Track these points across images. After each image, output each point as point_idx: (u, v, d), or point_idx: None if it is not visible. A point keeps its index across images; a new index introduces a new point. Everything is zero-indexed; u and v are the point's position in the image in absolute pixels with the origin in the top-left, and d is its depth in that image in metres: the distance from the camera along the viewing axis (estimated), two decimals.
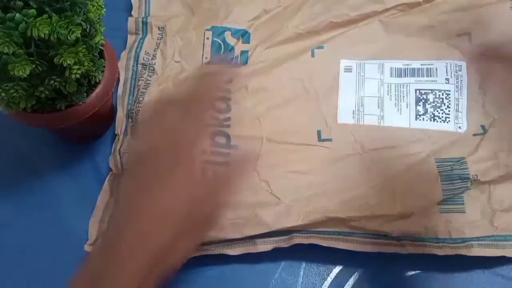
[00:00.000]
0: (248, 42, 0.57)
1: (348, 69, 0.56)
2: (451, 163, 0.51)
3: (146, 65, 0.57)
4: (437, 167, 0.51)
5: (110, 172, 0.53)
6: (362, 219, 0.49)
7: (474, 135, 0.53)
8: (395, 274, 0.50)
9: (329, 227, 0.49)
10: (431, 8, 0.58)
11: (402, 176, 0.51)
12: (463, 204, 0.50)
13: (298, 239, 0.49)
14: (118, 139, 0.54)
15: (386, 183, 0.50)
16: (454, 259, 0.49)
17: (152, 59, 0.57)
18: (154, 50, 0.57)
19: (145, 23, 0.59)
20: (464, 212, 0.49)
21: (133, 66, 0.57)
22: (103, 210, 0.51)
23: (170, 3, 0.60)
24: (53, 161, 0.55)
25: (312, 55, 0.57)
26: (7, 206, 0.53)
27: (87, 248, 0.48)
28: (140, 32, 0.59)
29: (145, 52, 0.57)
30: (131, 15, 0.60)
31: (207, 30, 0.58)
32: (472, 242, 0.48)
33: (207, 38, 0.57)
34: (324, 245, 0.48)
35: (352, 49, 0.57)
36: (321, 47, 0.57)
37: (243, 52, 0.57)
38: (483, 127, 0.53)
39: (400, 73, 0.56)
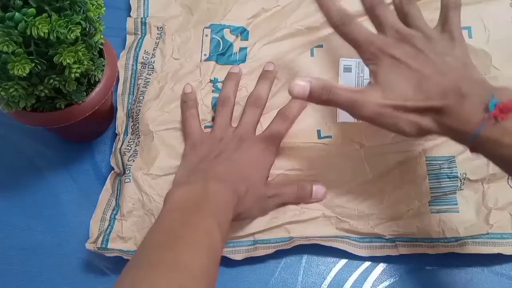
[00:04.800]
0: (247, 39, 0.57)
1: (347, 69, 0.56)
2: (440, 162, 0.51)
3: (146, 64, 0.57)
4: (427, 166, 0.51)
5: (112, 171, 0.53)
6: (352, 219, 0.50)
7: None
8: (395, 273, 0.50)
9: (325, 232, 0.50)
10: (431, 2, 0.57)
11: (392, 174, 0.51)
12: (456, 204, 0.50)
13: (299, 241, 0.49)
14: (119, 139, 0.54)
15: (376, 180, 0.51)
16: (454, 258, 0.49)
17: (151, 57, 0.57)
18: (153, 49, 0.58)
19: (144, 23, 0.59)
20: (458, 212, 0.49)
21: (132, 65, 0.57)
22: (104, 209, 0.51)
23: (168, 4, 0.60)
24: (53, 159, 0.55)
25: (312, 55, 0.57)
26: (7, 205, 0.53)
27: (88, 246, 0.49)
28: (139, 32, 0.59)
29: (144, 51, 0.57)
30: (129, 16, 0.60)
31: (206, 27, 0.58)
32: (467, 241, 0.48)
33: (206, 35, 0.57)
34: (325, 244, 0.49)
35: (351, 48, 0.56)
36: (320, 46, 0.57)
37: (242, 49, 0.57)
38: None
39: None
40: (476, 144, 0.38)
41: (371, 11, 0.46)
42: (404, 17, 0.45)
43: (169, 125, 0.53)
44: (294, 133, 0.53)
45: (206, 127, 0.54)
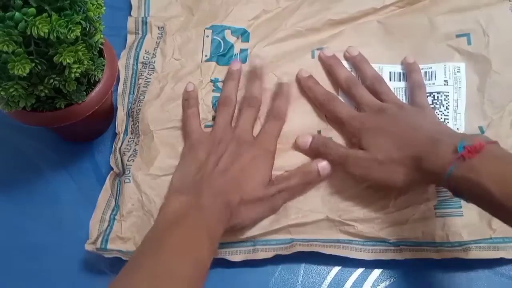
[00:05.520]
0: (248, 41, 0.57)
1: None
2: None
3: (146, 64, 0.57)
4: None
5: (111, 171, 0.53)
6: (357, 222, 0.49)
7: None
8: (395, 273, 0.50)
9: (327, 235, 0.49)
10: (431, 7, 0.57)
11: None
12: (460, 207, 0.49)
13: (299, 247, 0.49)
14: (119, 138, 0.54)
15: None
16: (454, 259, 0.49)
17: (152, 57, 0.57)
18: (154, 49, 0.58)
19: (145, 23, 0.59)
20: (462, 216, 0.49)
21: (133, 65, 0.57)
22: (103, 209, 0.51)
23: (169, 4, 0.60)
24: (52, 159, 0.55)
25: (312, 57, 0.57)
26: (7, 205, 0.53)
27: (87, 247, 0.48)
28: (140, 32, 0.59)
29: (145, 51, 0.57)
30: (130, 15, 0.60)
31: (207, 28, 0.58)
32: (470, 245, 0.48)
33: (207, 36, 0.58)
34: (325, 252, 0.49)
35: None
36: (321, 49, 0.57)
37: (242, 51, 0.57)
38: (480, 128, 0.53)
39: (399, 77, 0.55)
40: (450, 184, 0.42)
41: (348, 92, 0.53)
42: (376, 95, 0.53)
43: (169, 124, 0.53)
44: (295, 134, 0.53)
45: (206, 126, 0.53)
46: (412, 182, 0.46)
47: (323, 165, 0.50)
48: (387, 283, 0.49)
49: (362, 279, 0.50)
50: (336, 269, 0.50)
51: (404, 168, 0.46)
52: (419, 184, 0.48)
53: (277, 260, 0.50)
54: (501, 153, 0.42)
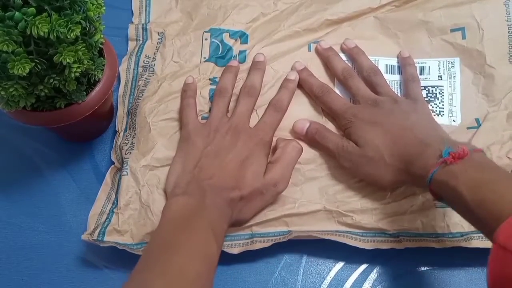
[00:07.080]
0: (246, 43, 0.58)
1: None
2: None
3: (146, 67, 0.57)
4: None
5: (112, 166, 0.53)
6: (355, 213, 0.49)
7: (468, 128, 0.53)
8: (395, 273, 0.50)
9: (325, 227, 0.49)
10: (426, 2, 0.58)
11: None
12: None
13: (297, 233, 0.49)
14: (119, 135, 0.55)
15: None
16: (454, 258, 0.49)
17: (152, 61, 0.58)
18: (154, 53, 0.58)
19: (145, 29, 0.59)
20: None
21: (133, 69, 0.58)
22: (103, 203, 0.51)
23: (169, 11, 0.60)
24: (52, 159, 0.55)
25: (309, 50, 0.57)
26: (7, 204, 0.53)
27: (83, 237, 0.48)
28: (141, 38, 0.60)
29: (145, 55, 0.58)
30: (131, 22, 0.60)
31: (205, 32, 0.58)
32: (472, 235, 0.48)
33: (206, 39, 0.58)
34: (324, 238, 0.49)
35: None
36: (317, 42, 0.57)
37: (241, 52, 0.57)
38: (477, 120, 0.53)
39: (394, 70, 0.56)
40: (432, 188, 0.43)
41: (345, 83, 0.54)
42: (372, 86, 0.53)
43: (165, 116, 0.54)
44: (291, 125, 0.53)
45: (203, 118, 0.54)
46: (398, 183, 0.48)
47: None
48: (387, 283, 0.49)
49: (361, 279, 0.50)
50: (335, 270, 0.50)
51: (392, 169, 0.47)
52: (405, 184, 0.49)
53: (277, 259, 0.50)
54: (483, 161, 0.43)
